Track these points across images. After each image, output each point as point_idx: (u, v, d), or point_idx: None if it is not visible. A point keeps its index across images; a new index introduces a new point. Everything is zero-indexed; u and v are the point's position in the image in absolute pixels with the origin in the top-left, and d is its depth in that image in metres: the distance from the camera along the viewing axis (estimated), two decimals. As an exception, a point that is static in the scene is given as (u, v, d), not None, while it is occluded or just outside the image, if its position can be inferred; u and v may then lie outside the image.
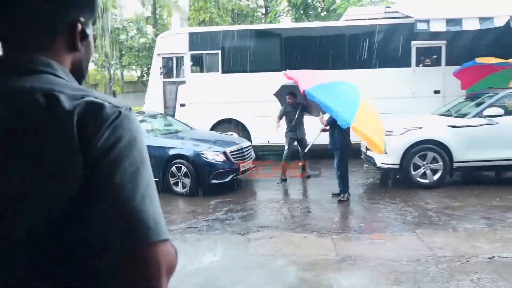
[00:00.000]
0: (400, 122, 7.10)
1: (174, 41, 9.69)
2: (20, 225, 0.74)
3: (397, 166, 6.74)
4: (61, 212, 0.74)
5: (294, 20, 20.05)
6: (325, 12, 19.38)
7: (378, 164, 6.94)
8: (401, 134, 6.72)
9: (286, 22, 22.44)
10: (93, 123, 0.74)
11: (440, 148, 6.59)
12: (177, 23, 24.68)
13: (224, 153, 6.65)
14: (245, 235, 4.85)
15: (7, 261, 0.75)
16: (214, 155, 6.60)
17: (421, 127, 6.77)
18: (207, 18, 20.74)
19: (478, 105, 6.99)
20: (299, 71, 6.80)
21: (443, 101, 8.82)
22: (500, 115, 6.45)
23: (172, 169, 6.63)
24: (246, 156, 7.11)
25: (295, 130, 7.42)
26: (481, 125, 6.55)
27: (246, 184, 7.50)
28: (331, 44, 9.38)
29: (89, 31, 0.88)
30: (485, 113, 6.53)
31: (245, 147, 7.19)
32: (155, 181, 0.81)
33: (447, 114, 7.33)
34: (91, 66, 20.66)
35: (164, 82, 9.74)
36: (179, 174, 6.61)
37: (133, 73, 28.09)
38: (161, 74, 9.70)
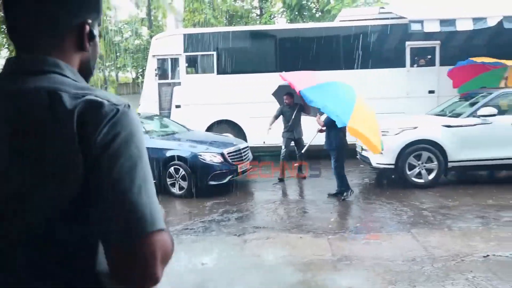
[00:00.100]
0: (395, 122, 7.13)
1: (169, 43, 9.68)
2: (20, 225, 0.75)
3: (392, 166, 6.77)
4: (61, 212, 0.75)
5: (289, 21, 20.10)
6: (319, 13, 19.47)
7: (374, 164, 6.97)
8: (396, 134, 6.75)
9: (281, 23, 22.48)
10: (92, 121, 0.76)
11: (435, 148, 6.62)
12: (172, 24, 24.56)
13: (222, 154, 6.63)
14: (241, 236, 4.85)
15: (7, 261, 0.75)
16: (211, 157, 6.58)
17: (415, 127, 6.81)
18: (202, 20, 20.72)
19: (472, 105, 7.04)
20: (295, 72, 6.82)
21: (438, 101, 8.87)
22: (494, 115, 6.49)
23: (169, 170, 6.59)
24: (244, 157, 7.09)
25: (292, 131, 7.44)
26: (475, 124, 6.59)
27: (243, 185, 7.49)
28: (325, 45, 9.39)
29: (96, 31, 0.91)
30: (479, 112, 6.58)
31: (243, 148, 7.17)
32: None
33: (442, 114, 7.37)
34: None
35: (159, 84, 9.71)
36: (176, 176, 6.58)
37: (128, 75, 28.05)
38: (156, 76, 9.67)
